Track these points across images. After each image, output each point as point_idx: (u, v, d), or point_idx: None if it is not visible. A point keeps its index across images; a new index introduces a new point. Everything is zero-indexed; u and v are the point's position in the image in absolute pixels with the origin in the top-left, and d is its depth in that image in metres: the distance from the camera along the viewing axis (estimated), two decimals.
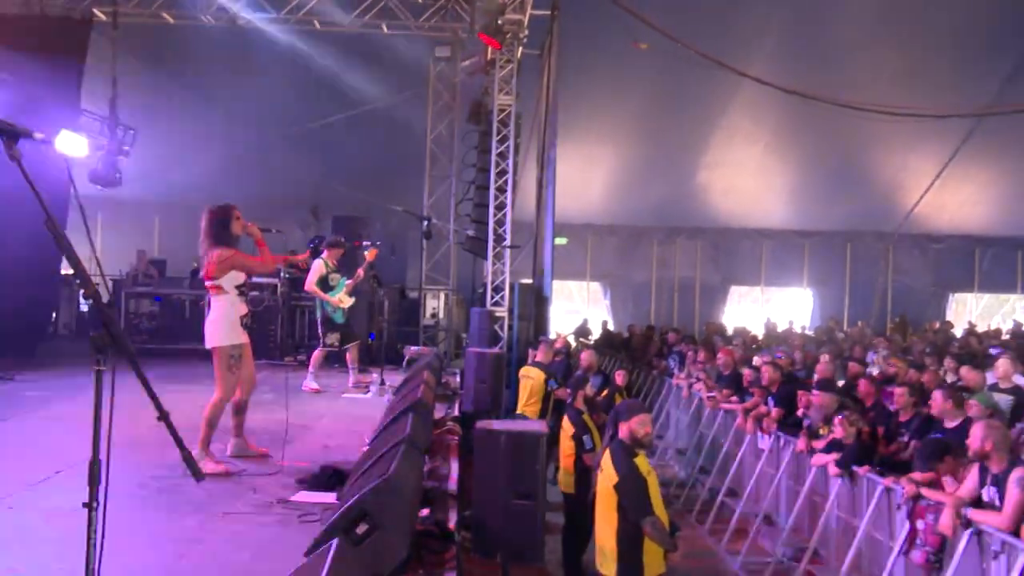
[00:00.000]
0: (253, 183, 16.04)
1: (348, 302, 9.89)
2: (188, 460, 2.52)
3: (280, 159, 15.63)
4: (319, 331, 9.98)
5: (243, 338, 5.97)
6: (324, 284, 9.74)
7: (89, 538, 2.38)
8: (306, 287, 9.94)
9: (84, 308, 14.93)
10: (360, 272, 9.93)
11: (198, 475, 2.60)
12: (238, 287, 5.93)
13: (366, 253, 10.07)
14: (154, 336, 12.89)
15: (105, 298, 2.53)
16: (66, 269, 12.89)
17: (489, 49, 12.51)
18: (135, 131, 13.00)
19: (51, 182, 2.57)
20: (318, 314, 9.96)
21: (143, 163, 14.22)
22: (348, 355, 10.06)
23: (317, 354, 9.92)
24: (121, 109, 12.70)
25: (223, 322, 5.88)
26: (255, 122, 15.32)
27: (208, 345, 5.93)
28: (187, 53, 14.49)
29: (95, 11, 12.80)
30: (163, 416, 2.51)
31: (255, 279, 11.49)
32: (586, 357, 9.72)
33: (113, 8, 12.54)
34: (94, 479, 2.38)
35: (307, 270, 9.89)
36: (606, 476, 4.74)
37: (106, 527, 2.44)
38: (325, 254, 9.87)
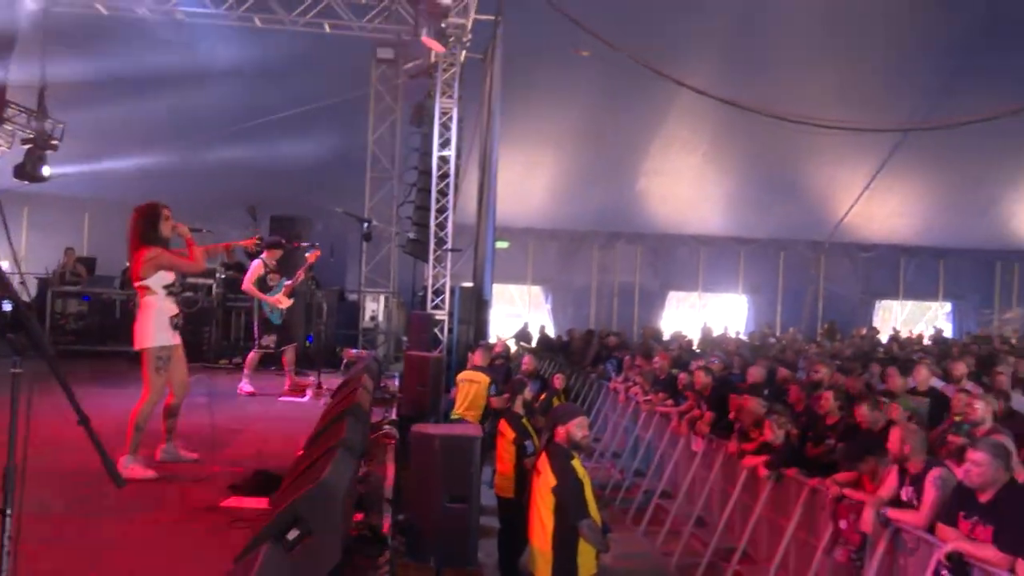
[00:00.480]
0: (189, 181, 15.71)
1: (286, 303, 9.75)
2: (108, 466, 2.46)
3: (217, 157, 15.32)
4: (255, 332, 9.82)
5: (173, 340, 5.84)
6: (262, 284, 9.59)
7: (2, 545, 2.32)
8: (243, 287, 9.78)
9: (7, 307, 14.37)
10: (300, 273, 9.81)
11: (119, 482, 2.54)
12: (166, 287, 5.80)
13: (307, 255, 9.96)
14: (82, 337, 12.49)
15: (27, 298, 2.46)
16: None
17: (432, 52, 12.50)
18: (64, 124, 12.61)
19: None
20: (255, 315, 9.80)
21: (73, 158, 13.81)
22: (285, 358, 9.92)
23: (252, 356, 9.75)
24: (50, 102, 12.31)
25: (151, 323, 5.75)
26: (191, 119, 15.00)
27: (136, 347, 5.80)
28: (121, 46, 14.09)
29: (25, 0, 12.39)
30: (83, 421, 2.45)
31: (190, 279, 11.29)
32: (527, 362, 9.77)
33: None
34: (8, 485, 2.31)
35: (256, 255, 9.73)
36: (544, 479, 4.78)
37: (21, 534, 2.38)
38: (264, 254, 9.72)
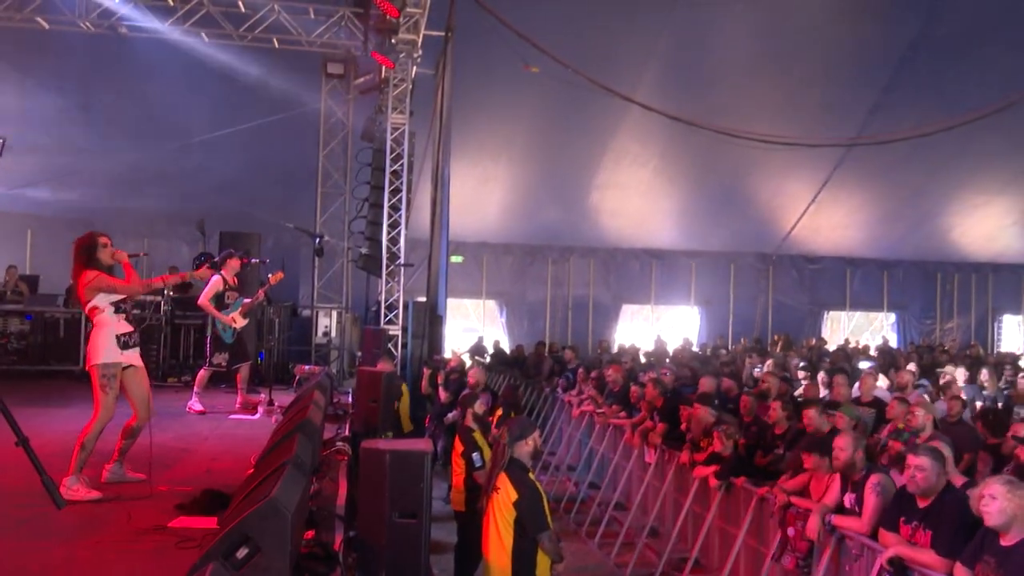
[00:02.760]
0: (136, 197, 15.47)
1: (241, 323, 9.63)
2: (48, 486, 2.42)
3: (165, 173, 15.09)
4: (207, 350, 9.68)
5: (121, 358, 5.77)
6: (219, 301, 9.45)
7: None
8: (199, 302, 9.62)
9: None
10: (260, 293, 9.73)
11: (59, 502, 2.50)
12: (114, 304, 5.78)
13: (270, 276, 9.86)
14: (24, 356, 12.16)
15: None
16: None
17: (383, 67, 12.52)
18: (5, 140, 12.31)
19: None
20: (208, 331, 9.66)
21: (15, 174, 13.49)
22: (238, 375, 9.79)
23: (202, 374, 9.61)
24: None
25: (98, 341, 5.75)
26: (137, 134, 14.75)
27: (86, 366, 5.77)
28: (64, 60, 13.84)
29: None
30: (21, 441, 2.41)
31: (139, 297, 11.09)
32: (474, 374, 9.77)
33: None
34: None
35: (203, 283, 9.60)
36: (504, 494, 4.81)
37: None
38: (223, 270, 9.57)
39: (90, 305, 5.79)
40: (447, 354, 13.63)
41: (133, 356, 5.86)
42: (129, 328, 5.88)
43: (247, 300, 9.62)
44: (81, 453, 5.49)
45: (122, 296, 5.88)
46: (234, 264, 9.73)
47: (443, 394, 10.56)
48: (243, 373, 9.79)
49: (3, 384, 3.89)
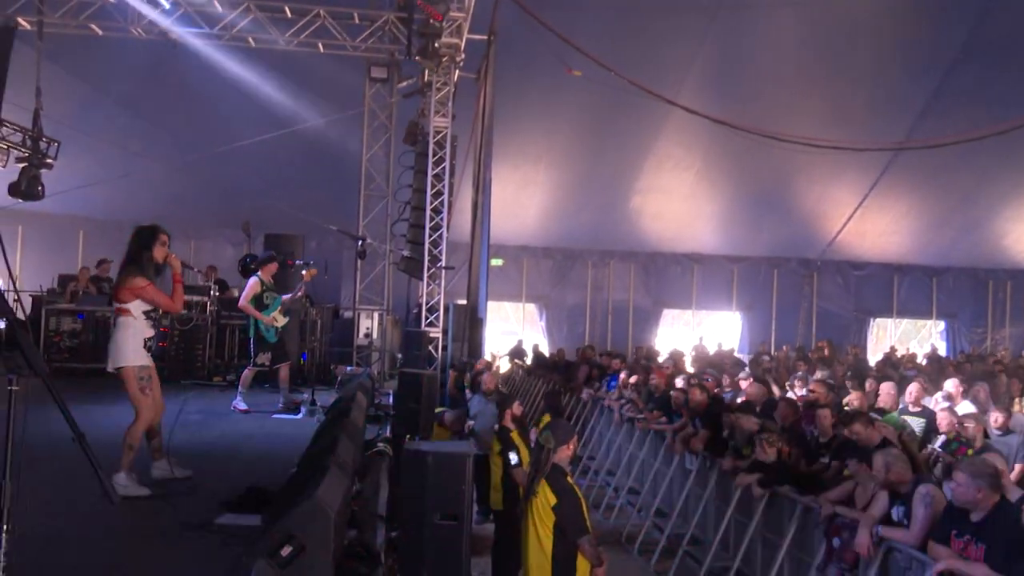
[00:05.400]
0: (183, 199, 15.78)
1: (282, 321, 9.79)
2: (103, 482, 2.47)
3: (212, 176, 15.37)
4: (251, 350, 9.84)
5: (148, 360, 5.90)
6: (258, 302, 9.62)
7: None
8: (240, 304, 9.84)
9: (1, 325, 14.31)
10: (301, 290, 9.86)
11: (113, 497, 2.54)
12: (146, 312, 5.90)
13: (304, 272, 10.01)
14: (76, 354, 12.47)
15: (22, 315, 2.48)
16: None
17: (426, 71, 12.59)
18: (59, 143, 12.63)
19: None
20: (251, 333, 9.82)
21: (67, 177, 13.83)
22: (280, 375, 9.93)
23: (247, 374, 9.77)
24: (45, 121, 12.34)
25: (128, 344, 5.84)
26: (186, 138, 15.06)
27: (111, 367, 5.87)
28: (116, 66, 14.19)
29: (19, 19, 12.42)
30: (78, 437, 2.46)
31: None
32: (488, 380, 9.63)
33: (39, 18, 12.20)
34: (3, 502, 2.32)
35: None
36: (542, 498, 4.83)
37: (15, 551, 2.38)
38: (260, 272, 9.76)
39: (123, 306, 5.87)
40: (487, 357, 13.65)
41: (150, 358, 6.00)
42: (152, 332, 6.02)
43: (285, 297, 9.78)
44: (129, 452, 5.62)
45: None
46: (271, 267, 9.93)
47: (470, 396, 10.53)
48: (283, 373, 9.94)
49: (56, 381, 4.00)
